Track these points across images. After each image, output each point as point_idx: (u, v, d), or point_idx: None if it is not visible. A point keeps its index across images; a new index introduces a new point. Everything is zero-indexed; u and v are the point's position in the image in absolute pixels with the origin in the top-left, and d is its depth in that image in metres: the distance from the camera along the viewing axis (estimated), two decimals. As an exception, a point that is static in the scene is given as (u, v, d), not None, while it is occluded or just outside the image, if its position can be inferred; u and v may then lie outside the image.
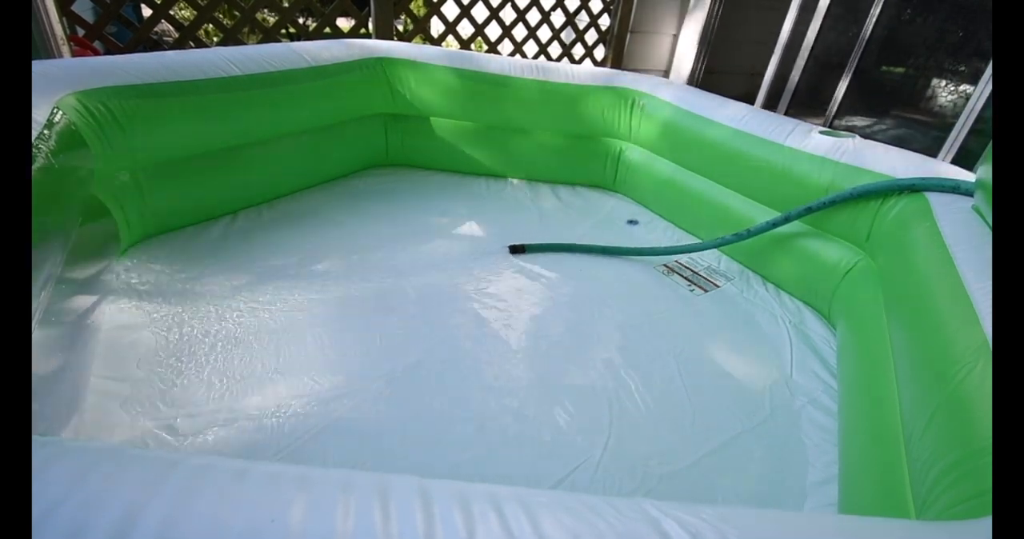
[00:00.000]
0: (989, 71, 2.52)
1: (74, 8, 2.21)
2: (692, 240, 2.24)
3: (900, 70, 3.23)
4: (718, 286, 1.95)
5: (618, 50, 3.67)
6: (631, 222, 2.41)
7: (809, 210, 1.71)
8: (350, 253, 1.85)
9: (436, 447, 1.16)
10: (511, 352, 1.48)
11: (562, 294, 1.80)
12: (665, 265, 2.05)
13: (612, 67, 3.68)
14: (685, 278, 1.98)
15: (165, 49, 2.50)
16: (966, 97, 2.71)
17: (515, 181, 2.67)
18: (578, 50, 3.60)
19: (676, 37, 4.07)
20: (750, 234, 1.87)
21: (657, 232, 2.33)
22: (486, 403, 1.30)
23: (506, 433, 1.22)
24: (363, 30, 3.02)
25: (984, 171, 1.21)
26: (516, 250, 2.00)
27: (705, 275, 2.01)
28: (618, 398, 1.36)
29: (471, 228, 2.17)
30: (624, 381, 1.42)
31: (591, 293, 1.83)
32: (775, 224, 1.80)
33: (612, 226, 2.37)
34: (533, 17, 3.31)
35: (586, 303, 1.76)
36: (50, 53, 2.13)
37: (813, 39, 3.35)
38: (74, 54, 2.26)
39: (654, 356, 1.54)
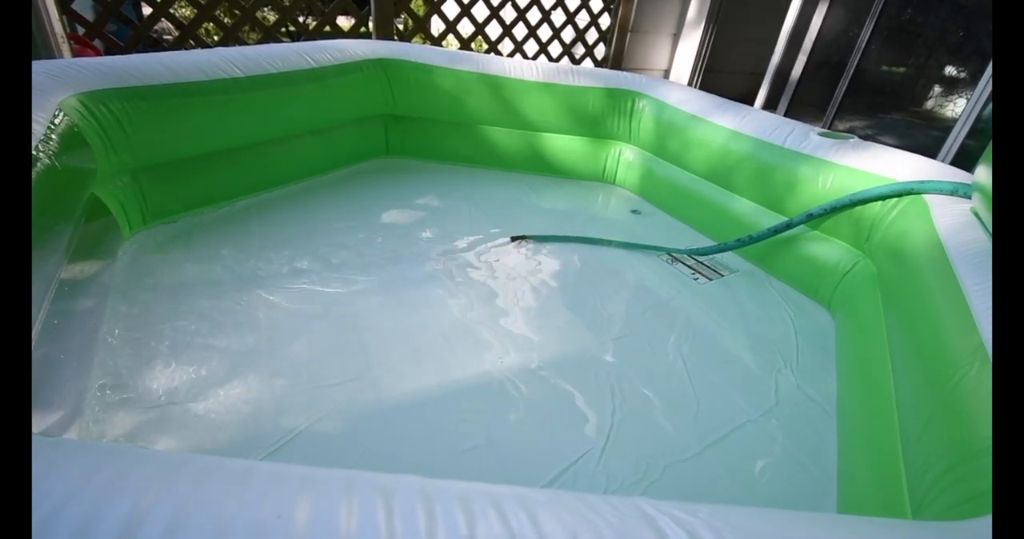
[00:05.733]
0: (989, 71, 2.53)
1: (74, 6, 2.21)
2: (694, 233, 2.26)
3: (900, 70, 3.23)
4: (722, 276, 1.95)
5: (618, 49, 3.67)
6: (634, 212, 2.43)
7: (810, 216, 1.73)
8: (349, 244, 1.85)
9: (436, 438, 1.16)
10: (514, 340, 1.48)
11: (565, 282, 1.81)
12: (669, 254, 2.06)
13: (612, 66, 3.68)
14: (689, 267, 1.98)
15: (165, 47, 2.51)
16: (966, 97, 2.71)
17: (516, 175, 2.67)
18: (578, 49, 3.60)
19: (676, 36, 4.07)
20: (752, 240, 1.88)
21: (659, 224, 2.34)
22: (488, 390, 1.30)
23: (508, 422, 1.22)
24: (363, 29, 3.02)
25: (982, 173, 1.22)
26: (518, 240, 2.01)
27: (709, 264, 2.02)
28: (621, 386, 1.36)
29: (471, 218, 2.18)
30: (627, 369, 1.42)
31: (594, 281, 1.84)
32: (777, 231, 1.81)
33: (613, 217, 2.38)
34: (533, 16, 3.31)
35: (589, 291, 1.77)
36: (50, 51, 2.13)
37: (813, 39, 3.35)
38: (74, 52, 2.26)
39: (658, 344, 1.55)
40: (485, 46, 3.36)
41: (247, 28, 3.01)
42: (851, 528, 0.59)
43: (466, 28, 3.16)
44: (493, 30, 3.24)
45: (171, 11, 2.43)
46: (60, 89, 1.39)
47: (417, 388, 1.28)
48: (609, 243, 2.07)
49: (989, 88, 2.51)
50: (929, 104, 3.10)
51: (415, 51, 2.40)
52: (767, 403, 1.37)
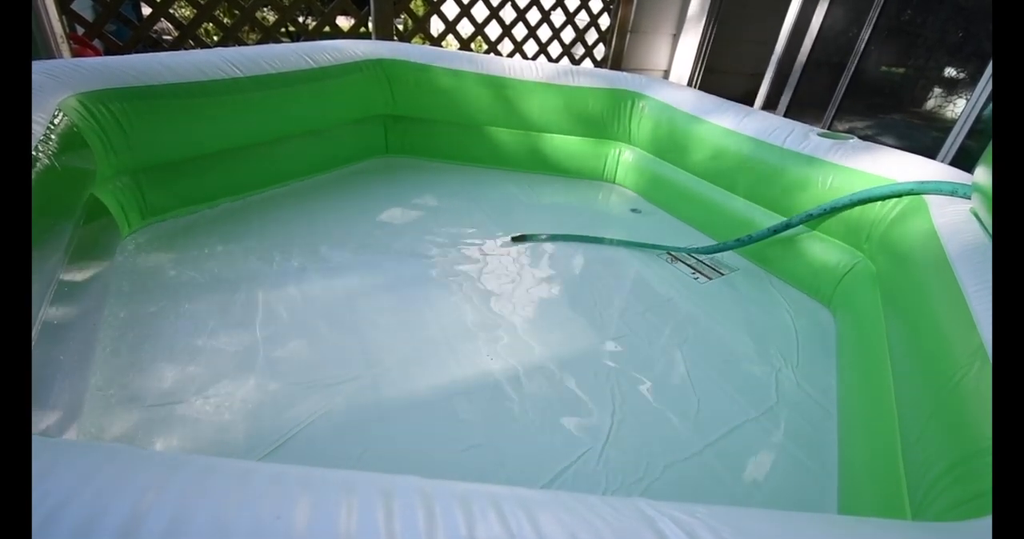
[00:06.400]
0: (989, 72, 2.53)
1: (73, 6, 2.21)
2: (694, 232, 2.26)
3: (900, 71, 3.23)
4: (723, 274, 1.95)
5: (618, 50, 3.67)
6: (634, 211, 2.43)
7: (810, 216, 1.73)
8: (349, 242, 1.85)
9: (435, 437, 1.16)
10: (513, 339, 1.48)
11: (565, 281, 1.81)
12: (669, 253, 2.06)
13: (612, 67, 3.68)
14: (689, 266, 1.98)
15: (165, 47, 2.51)
16: (965, 98, 2.71)
17: (516, 173, 2.67)
18: (578, 50, 3.60)
19: (676, 37, 4.07)
20: (751, 240, 1.88)
21: (659, 224, 2.34)
22: (488, 389, 1.30)
23: (508, 421, 1.22)
24: (363, 29, 3.02)
25: (982, 174, 1.22)
26: (518, 239, 2.01)
27: (709, 263, 2.02)
28: (621, 386, 1.36)
29: (471, 217, 2.17)
30: (627, 368, 1.42)
31: (594, 280, 1.84)
32: (776, 231, 1.81)
33: (613, 216, 2.38)
34: (533, 16, 3.31)
35: (589, 289, 1.77)
36: (50, 51, 2.13)
37: (813, 39, 3.36)
38: (74, 52, 2.26)
39: (658, 343, 1.55)
40: (485, 46, 3.36)
41: (247, 28, 3.01)
42: (850, 529, 0.59)
43: (466, 28, 3.16)
44: (493, 30, 3.24)
45: (170, 11, 2.43)
46: (60, 89, 1.39)
47: (417, 387, 1.28)
48: (609, 242, 2.07)
49: (989, 88, 2.52)
50: (929, 105, 3.10)
51: (415, 51, 2.40)
52: (767, 402, 1.37)
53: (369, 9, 2.81)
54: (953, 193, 1.42)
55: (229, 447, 1.08)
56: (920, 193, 1.48)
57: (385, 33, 2.84)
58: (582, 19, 3.51)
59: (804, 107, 3.52)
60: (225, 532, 0.41)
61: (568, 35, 3.51)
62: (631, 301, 1.75)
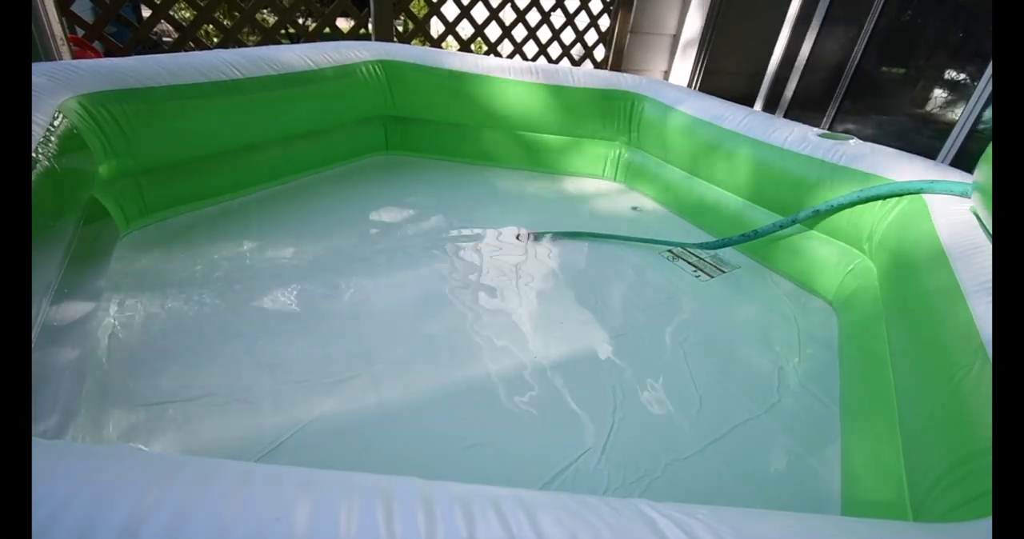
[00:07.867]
0: (989, 72, 2.53)
1: (73, 8, 2.21)
2: (693, 232, 2.25)
3: (900, 71, 3.23)
4: (724, 272, 1.95)
5: (618, 51, 3.67)
6: (634, 209, 2.43)
7: (816, 213, 1.73)
8: (350, 240, 1.85)
9: (436, 436, 1.16)
10: (515, 337, 1.48)
11: (567, 279, 1.81)
12: (670, 251, 2.06)
13: (612, 68, 3.68)
14: (690, 264, 1.98)
15: (164, 49, 2.51)
16: (966, 98, 2.71)
17: (516, 172, 2.67)
18: (578, 51, 3.60)
19: (676, 37, 4.07)
20: (757, 235, 1.88)
21: (658, 223, 2.34)
22: (489, 388, 1.30)
23: (509, 419, 1.22)
24: (363, 31, 3.02)
25: (981, 174, 1.22)
26: (519, 237, 2.02)
27: (711, 261, 2.02)
28: (622, 384, 1.36)
29: (472, 215, 2.18)
30: (629, 367, 1.42)
31: (596, 278, 1.84)
32: (782, 226, 1.82)
33: (613, 215, 2.38)
34: (533, 18, 3.31)
35: (591, 287, 1.78)
36: (49, 53, 2.13)
37: (813, 40, 3.36)
38: (73, 54, 2.26)
39: (659, 341, 1.55)
40: (485, 48, 3.37)
41: (246, 30, 3.01)
42: (851, 530, 0.59)
43: (466, 30, 3.16)
44: (492, 32, 3.25)
45: (170, 13, 2.43)
46: (59, 91, 1.39)
47: (418, 385, 1.28)
48: (611, 238, 2.07)
49: (989, 89, 2.51)
50: (929, 105, 3.10)
51: (414, 53, 2.40)
52: (770, 400, 1.37)
53: (369, 10, 2.82)
54: (964, 194, 1.40)
55: (228, 447, 1.08)
56: (929, 192, 1.47)
57: (385, 34, 2.85)
58: (582, 20, 3.52)
59: (804, 108, 3.52)
60: (225, 534, 0.41)
61: (568, 36, 3.51)
62: (633, 299, 1.75)
